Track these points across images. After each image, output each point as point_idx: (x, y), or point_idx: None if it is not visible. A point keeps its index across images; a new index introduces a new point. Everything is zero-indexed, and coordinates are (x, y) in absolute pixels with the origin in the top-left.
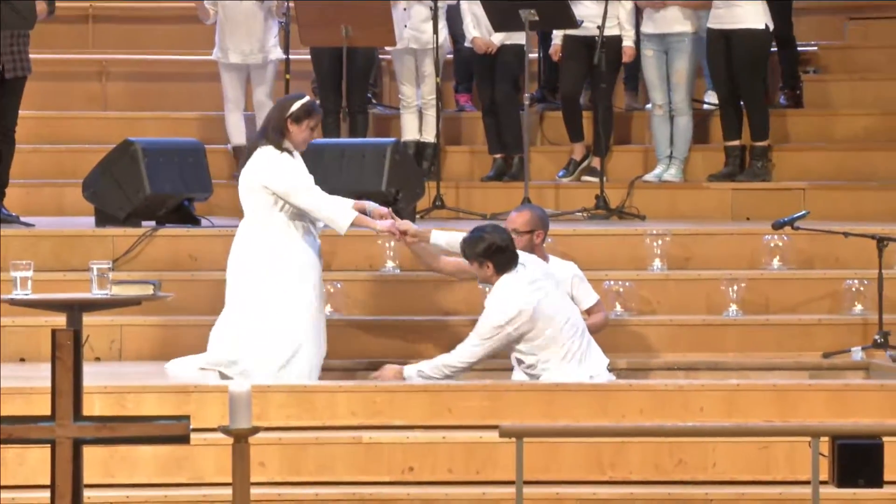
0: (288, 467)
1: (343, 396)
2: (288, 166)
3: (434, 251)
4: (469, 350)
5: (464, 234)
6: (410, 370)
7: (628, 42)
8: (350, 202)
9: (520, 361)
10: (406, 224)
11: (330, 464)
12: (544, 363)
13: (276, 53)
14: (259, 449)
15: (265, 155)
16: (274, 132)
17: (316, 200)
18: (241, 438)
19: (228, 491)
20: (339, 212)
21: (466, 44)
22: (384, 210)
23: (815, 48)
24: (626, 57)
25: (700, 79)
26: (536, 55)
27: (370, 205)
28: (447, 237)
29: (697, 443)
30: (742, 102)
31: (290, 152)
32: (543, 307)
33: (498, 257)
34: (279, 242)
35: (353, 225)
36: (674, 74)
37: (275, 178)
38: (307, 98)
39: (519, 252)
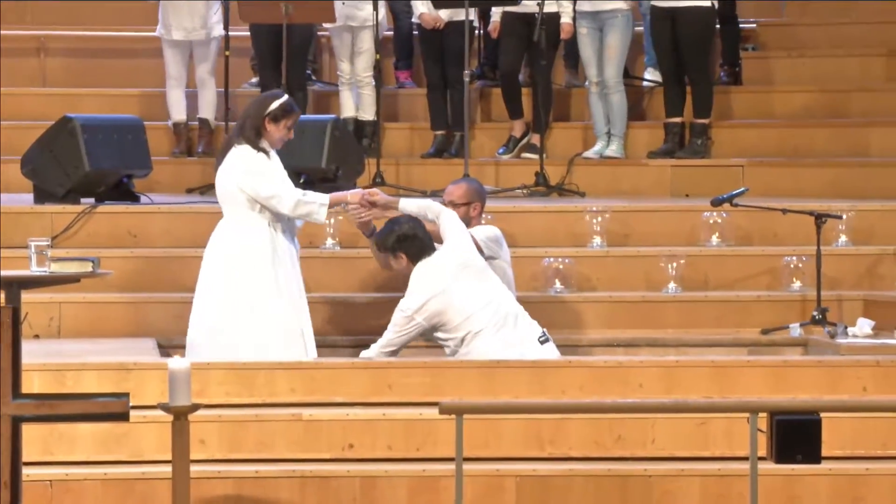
0: (228, 444)
1: (283, 374)
2: (268, 172)
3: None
4: (386, 339)
5: (429, 200)
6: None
7: (566, 19)
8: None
9: (443, 347)
10: (375, 192)
11: (270, 441)
12: (460, 344)
13: (219, 30)
14: (199, 426)
15: (244, 157)
16: (251, 130)
17: (295, 205)
18: (180, 416)
19: (168, 468)
20: (315, 205)
21: (414, 19)
22: (358, 189)
23: (754, 25)
24: (565, 34)
25: (641, 55)
26: (477, 32)
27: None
28: (417, 203)
29: (636, 419)
30: (687, 80)
31: (265, 152)
32: (454, 296)
33: (407, 246)
34: (260, 244)
35: (330, 207)
36: (606, 50)
37: (256, 184)
38: (286, 97)
39: (448, 241)
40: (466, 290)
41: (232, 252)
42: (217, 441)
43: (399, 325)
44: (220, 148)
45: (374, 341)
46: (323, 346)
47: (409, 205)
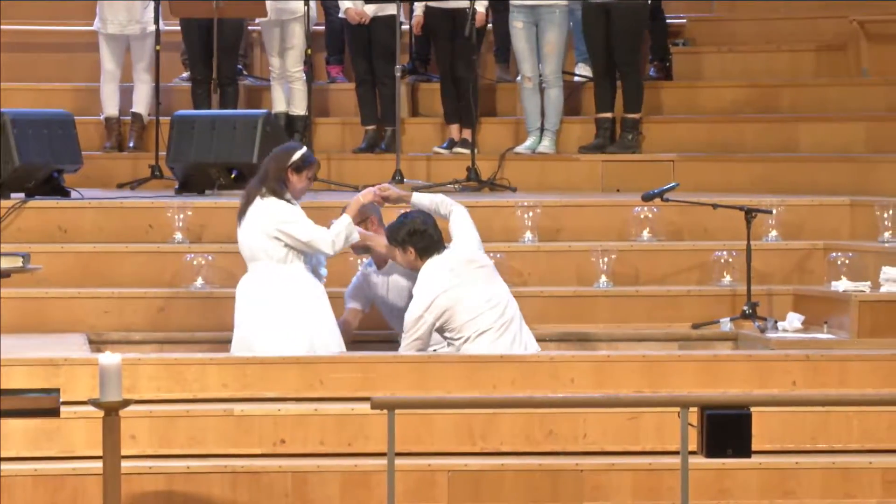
0: (158, 440)
1: (214, 369)
2: (301, 218)
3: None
4: (402, 346)
5: (442, 195)
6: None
7: (481, 8)
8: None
9: (449, 343)
10: (386, 186)
11: (201, 436)
12: (465, 341)
13: (154, 25)
14: (129, 422)
15: (273, 209)
16: (275, 182)
17: (333, 239)
18: (111, 411)
19: (99, 464)
20: (343, 226)
21: (340, 15)
22: (370, 188)
23: (684, 20)
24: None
25: (571, 50)
26: (407, 26)
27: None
28: (430, 197)
29: (568, 414)
30: (617, 75)
31: (290, 202)
32: (461, 295)
33: (417, 240)
34: (295, 287)
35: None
36: (545, 46)
37: (294, 231)
38: (304, 148)
39: (456, 239)
40: (473, 290)
41: (269, 299)
42: (148, 436)
43: (409, 327)
44: (240, 203)
45: None
46: None
47: (422, 199)
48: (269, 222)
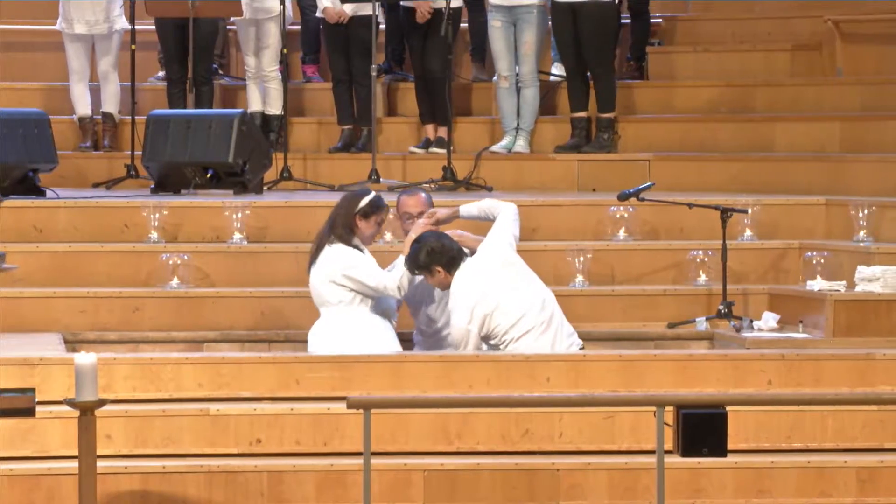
0: (134, 440)
1: (189, 368)
2: (369, 264)
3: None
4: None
5: (489, 199)
6: None
7: (437, 5)
8: (399, 258)
9: (493, 348)
10: (433, 212)
11: (177, 436)
12: (510, 343)
13: (121, 23)
14: (105, 421)
15: (344, 254)
16: (343, 229)
17: (399, 284)
18: (87, 411)
19: (74, 464)
20: (407, 272)
21: (318, 14)
22: (418, 221)
23: (660, 20)
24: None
25: (546, 51)
26: (383, 26)
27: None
28: (477, 206)
29: (544, 413)
30: (589, 74)
31: (358, 248)
32: (500, 298)
33: (439, 257)
34: (364, 331)
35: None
36: (522, 46)
37: (362, 278)
38: (373, 193)
39: (485, 242)
40: (510, 292)
41: (339, 343)
42: (123, 436)
43: (457, 343)
44: (311, 249)
45: (285, 336)
46: (230, 340)
47: (471, 210)
48: (336, 269)
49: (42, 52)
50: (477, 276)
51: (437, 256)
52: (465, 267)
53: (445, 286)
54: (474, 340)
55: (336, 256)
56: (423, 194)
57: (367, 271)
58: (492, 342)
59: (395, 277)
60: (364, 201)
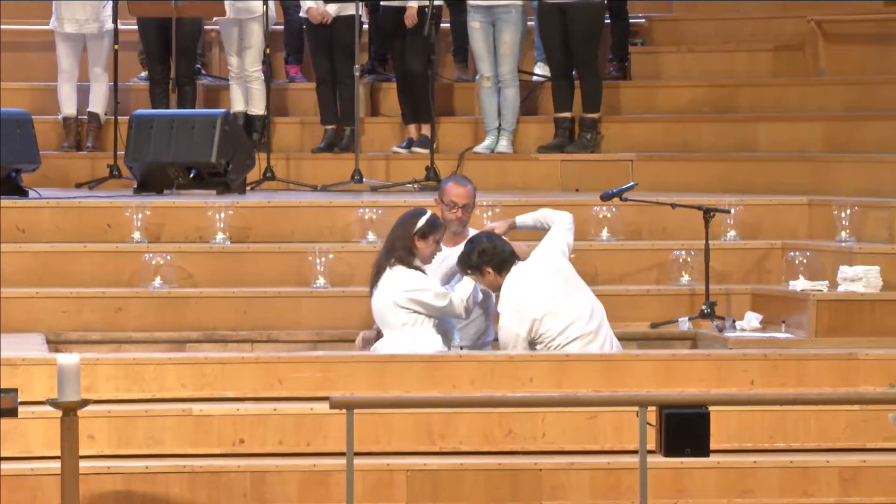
0: (117, 440)
1: (172, 368)
2: (431, 285)
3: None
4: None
5: (544, 209)
6: None
7: (413, 4)
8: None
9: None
10: (490, 227)
11: (160, 436)
12: (556, 349)
13: (111, 24)
14: (88, 422)
15: (408, 276)
16: (403, 251)
17: (464, 304)
18: (69, 411)
19: (57, 464)
20: (471, 292)
21: (301, 14)
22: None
23: (643, 20)
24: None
25: (530, 51)
26: (366, 26)
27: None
28: (532, 216)
29: (527, 413)
30: (576, 74)
31: (420, 269)
32: (545, 305)
33: (489, 259)
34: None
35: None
36: (501, 46)
37: (426, 299)
38: (429, 213)
39: (538, 248)
40: (562, 299)
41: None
42: (106, 436)
43: (506, 345)
44: (372, 272)
45: (268, 336)
46: (213, 340)
47: (526, 220)
48: (400, 292)
49: (31, 52)
50: (527, 280)
51: (487, 257)
52: (516, 271)
53: (495, 288)
54: (522, 344)
55: (400, 280)
56: (472, 186)
57: (433, 294)
58: (538, 348)
59: (458, 297)
60: (421, 221)
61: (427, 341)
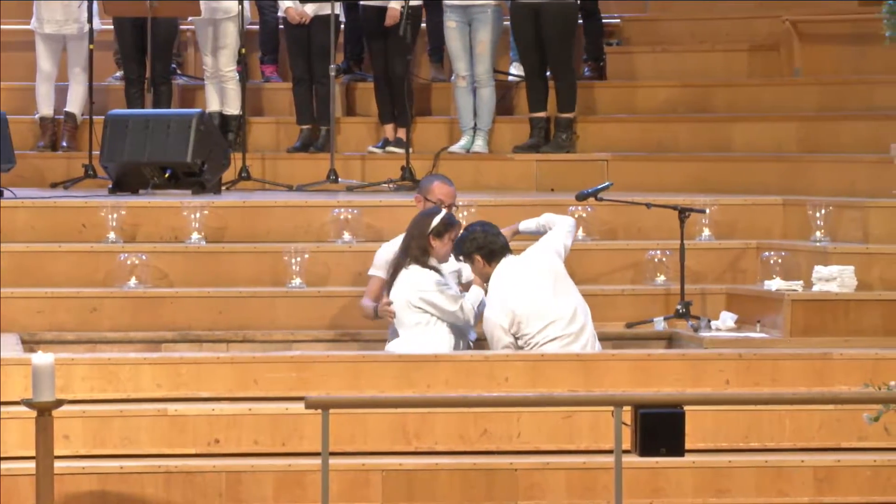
0: (92, 440)
1: (148, 368)
2: (451, 289)
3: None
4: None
5: (548, 214)
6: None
7: (395, 5)
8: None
9: (520, 349)
10: None
11: (135, 436)
12: (534, 347)
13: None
14: (63, 422)
15: (422, 277)
16: (418, 251)
17: (474, 311)
18: (44, 412)
19: (32, 464)
20: (481, 297)
21: (279, 14)
22: None
23: (618, 20)
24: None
25: (505, 51)
26: (343, 27)
27: None
28: (536, 221)
29: (502, 413)
30: (550, 74)
31: (436, 269)
32: (529, 300)
33: (482, 248)
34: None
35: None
36: (477, 45)
37: (438, 301)
38: (444, 211)
39: (535, 245)
40: (546, 297)
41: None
42: (81, 437)
43: (489, 335)
44: (388, 273)
45: (243, 336)
46: (188, 340)
47: (529, 225)
48: (413, 292)
49: (7, 51)
50: (515, 274)
51: (478, 245)
52: (506, 262)
53: (485, 277)
54: (500, 333)
55: (413, 280)
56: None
57: (446, 297)
58: (519, 342)
59: (472, 304)
60: (436, 220)
61: (441, 341)
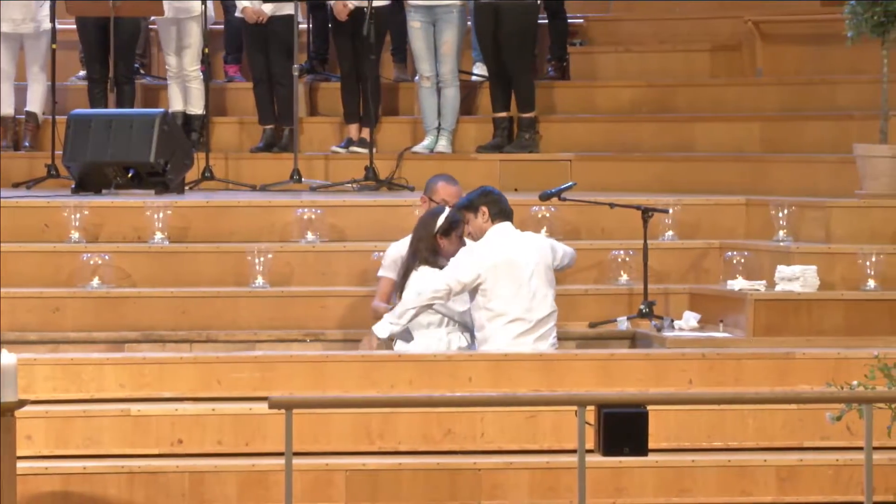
0: (55, 440)
1: (111, 369)
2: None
3: None
4: (441, 278)
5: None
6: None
7: (351, 4)
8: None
9: (473, 316)
10: None
11: (98, 437)
12: (488, 322)
13: (49, 23)
14: (25, 422)
15: (427, 278)
16: (427, 252)
17: (437, 291)
18: (7, 412)
19: None
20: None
21: (237, 13)
22: None
23: (582, 20)
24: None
25: (468, 50)
26: (305, 26)
27: None
28: None
29: (466, 413)
30: (508, 73)
31: (442, 268)
32: (511, 267)
33: (491, 201)
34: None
35: None
36: (441, 46)
37: (452, 302)
38: (447, 209)
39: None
40: (521, 276)
41: None
42: (44, 437)
43: (452, 268)
44: (398, 276)
45: (206, 336)
46: (151, 340)
47: None
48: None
49: None
50: (511, 238)
51: (492, 200)
52: (506, 228)
53: (481, 233)
54: (468, 277)
55: (422, 281)
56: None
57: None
58: (478, 297)
59: (434, 282)
60: (441, 219)
61: (453, 342)
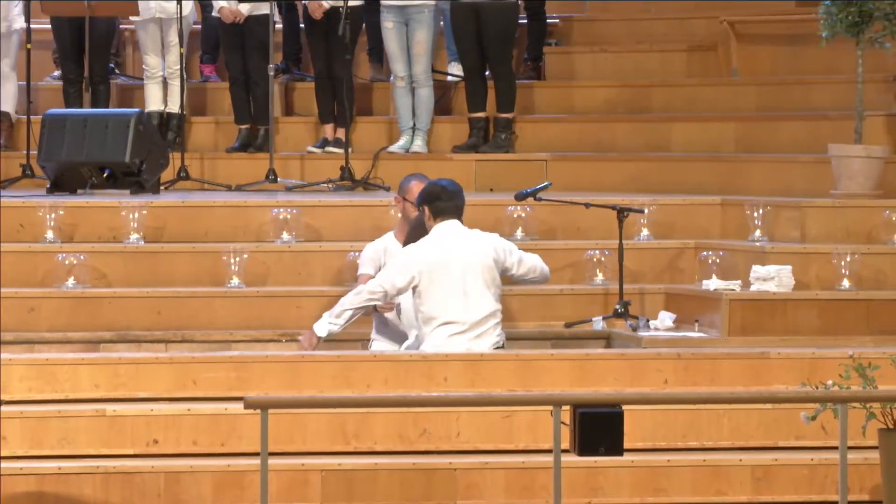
0: (30, 441)
1: (86, 369)
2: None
3: None
4: (378, 280)
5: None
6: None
7: (326, 3)
8: None
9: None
10: None
11: (73, 437)
12: (428, 322)
13: (20, 23)
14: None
15: None
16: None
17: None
18: None
19: None
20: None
21: (214, 13)
22: None
23: (557, 20)
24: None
25: (442, 50)
26: (280, 26)
27: None
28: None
29: (441, 412)
30: (489, 74)
31: None
32: (445, 270)
33: (432, 199)
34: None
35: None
36: (414, 46)
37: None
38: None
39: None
40: (461, 277)
41: None
42: (19, 437)
43: (389, 270)
44: None
45: (181, 336)
46: (126, 340)
47: None
48: None
49: None
50: (451, 239)
51: (433, 198)
52: (450, 226)
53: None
54: (402, 281)
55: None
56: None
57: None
58: (416, 298)
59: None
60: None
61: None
